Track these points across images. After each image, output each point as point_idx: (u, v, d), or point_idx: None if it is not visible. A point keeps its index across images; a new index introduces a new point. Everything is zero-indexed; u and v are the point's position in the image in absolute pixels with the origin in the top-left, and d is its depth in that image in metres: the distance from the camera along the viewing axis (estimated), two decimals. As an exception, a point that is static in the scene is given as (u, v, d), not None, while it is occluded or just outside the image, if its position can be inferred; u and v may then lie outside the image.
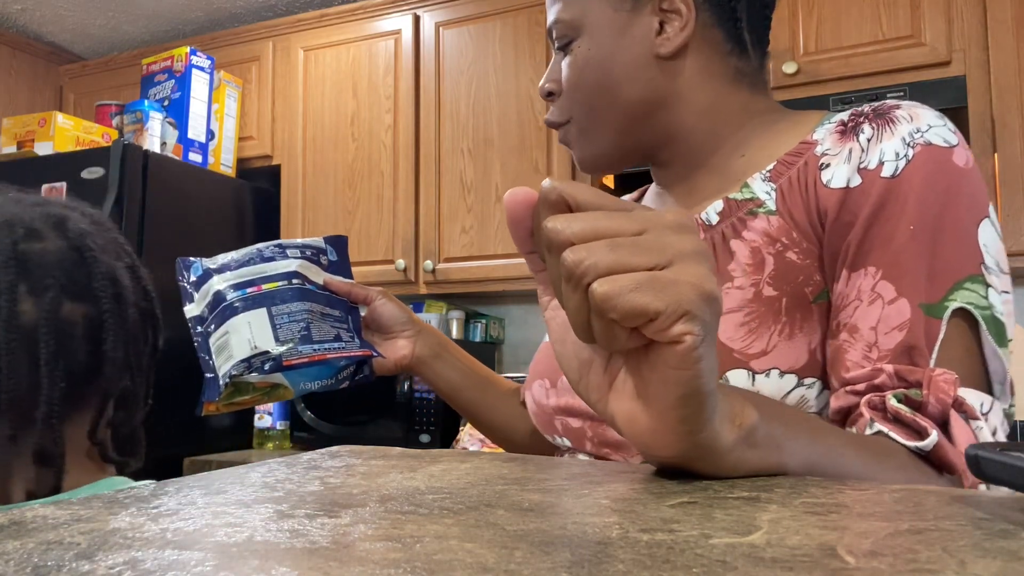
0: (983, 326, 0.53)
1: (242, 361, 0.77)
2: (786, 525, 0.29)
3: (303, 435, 2.36)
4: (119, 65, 3.01)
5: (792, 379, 0.57)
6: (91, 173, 2.25)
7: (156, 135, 2.49)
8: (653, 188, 0.79)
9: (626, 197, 0.88)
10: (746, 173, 0.65)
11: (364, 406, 2.29)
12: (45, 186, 2.29)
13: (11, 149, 2.49)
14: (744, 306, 0.59)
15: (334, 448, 0.56)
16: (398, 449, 0.54)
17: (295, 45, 2.70)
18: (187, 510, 0.32)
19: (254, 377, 0.78)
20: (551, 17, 0.71)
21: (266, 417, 2.45)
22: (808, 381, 0.58)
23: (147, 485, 0.39)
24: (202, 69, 2.61)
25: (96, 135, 2.55)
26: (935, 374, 0.51)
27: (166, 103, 2.58)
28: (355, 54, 2.60)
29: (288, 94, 2.69)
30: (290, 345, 0.79)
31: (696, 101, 0.67)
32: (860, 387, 0.53)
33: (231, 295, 0.82)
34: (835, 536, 0.27)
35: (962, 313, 0.53)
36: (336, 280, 0.88)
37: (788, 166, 0.62)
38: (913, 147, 0.56)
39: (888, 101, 0.60)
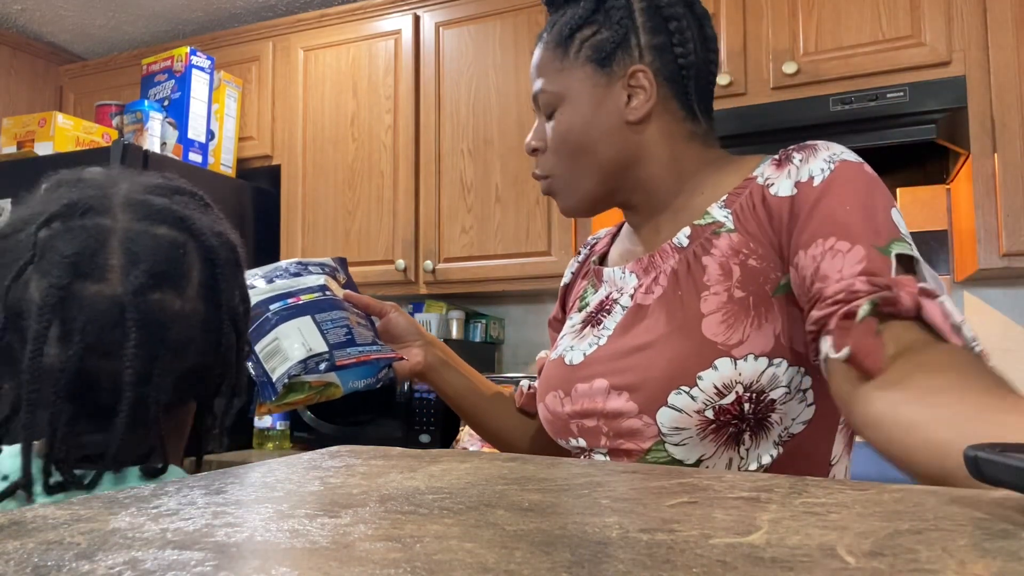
0: (921, 262, 0.65)
1: (299, 363, 0.85)
2: (786, 525, 0.29)
3: (303, 435, 2.36)
4: (119, 65, 3.01)
5: (764, 361, 0.71)
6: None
7: (156, 135, 2.49)
8: (626, 227, 0.92)
9: (603, 231, 1.00)
10: (705, 204, 0.79)
11: (364, 406, 2.28)
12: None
13: (11, 149, 2.49)
14: (721, 308, 0.73)
15: (334, 448, 0.56)
16: (398, 449, 0.54)
17: (295, 45, 2.70)
18: (187, 510, 0.32)
19: (311, 377, 0.86)
20: (536, 87, 0.84)
21: (266, 417, 2.45)
22: (776, 361, 0.71)
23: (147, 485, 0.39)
24: (202, 69, 2.61)
25: (96, 135, 2.55)
26: (898, 277, 0.63)
27: (166, 103, 2.58)
28: (355, 54, 2.60)
29: (288, 94, 2.69)
30: (340, 347, 0.87)
31: (660, 157, 0.82)
32: (840, 296, 0.63)
33: (272, 306, 0.89)
34: (835, 536, 0.27)
35: (900, 258, 0.65)
36: (355, 294, 0.97)
37: (737, 196, 0.77)
38: (832, 163, 0.71)
39: (810, 141, 0.75)
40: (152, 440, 0.61)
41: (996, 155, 1.80)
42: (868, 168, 0.72)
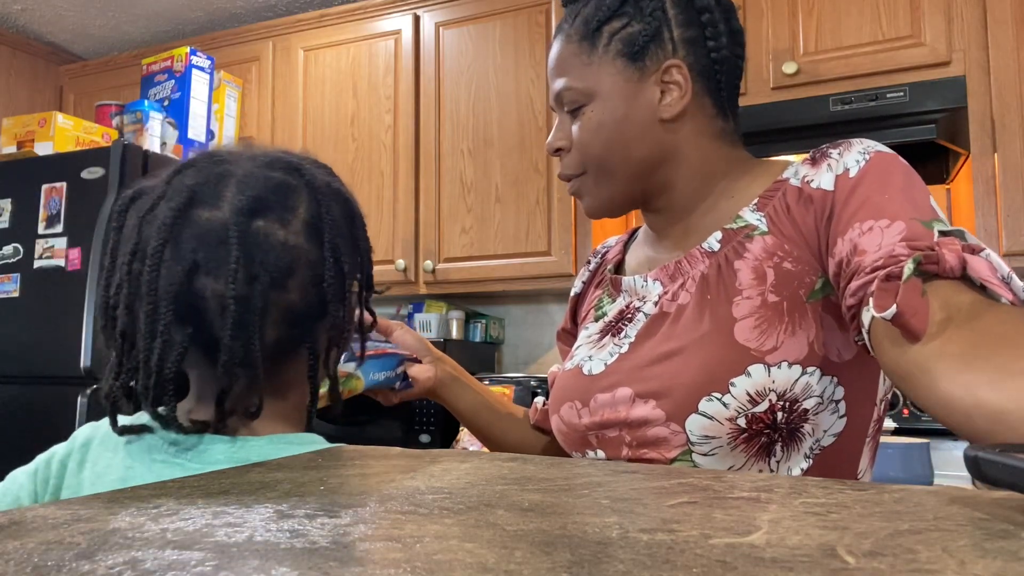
0: (966, 233, 0.61)
1: None
2: (786, 525, 0.29)
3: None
4: (119, 65, 3.01)
5: (798, 369, 0.68)
6: (91, 173, 2.25)
7: (156, 135, 2.48)
8: (645, 231, 0.89)
9: (612, 240, 0.97)
10: (736, 208, 0.77)
11: (364, 406, 2.28)
12: (45, 186, 2.28)
13: (11, 149, 2.49)
14: (754, 312, 0.71)
15: (334, 448, 0.56)
16: (398, 449, 0.54)
17: (295, 45, 2.70)
18: (187, 510, 0.32)
19: None
20: (559, 84, 0.80)
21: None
22: (809, 370, 0.69)
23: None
24: (202, 69, 2.61)
25: (96, 135, 2.55)
26: (940, 239, 0.59)
27: (166, 103, 2.58)
28: (355, 54, 2.60)
29: (288, 94, 2.69)
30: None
31: (692, 157, 0.79)
32: (880, 263, 0.60)
33: None
34: (835, 536, 0.27)
35: (944, 234, 0.61)
36: None
37: (769, 199, 0.75)
38: (867, 154, 0.70)
39: (842, 140, 0.74)
40: (256, 380, 0.62)
41: (996, 155, 1.80)
42: (903, 159, 0.70)
